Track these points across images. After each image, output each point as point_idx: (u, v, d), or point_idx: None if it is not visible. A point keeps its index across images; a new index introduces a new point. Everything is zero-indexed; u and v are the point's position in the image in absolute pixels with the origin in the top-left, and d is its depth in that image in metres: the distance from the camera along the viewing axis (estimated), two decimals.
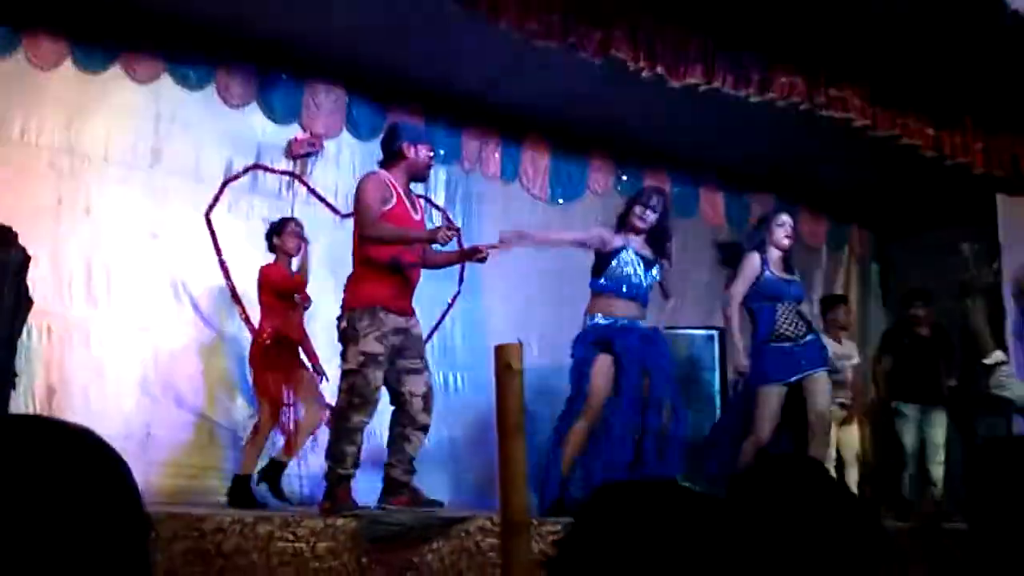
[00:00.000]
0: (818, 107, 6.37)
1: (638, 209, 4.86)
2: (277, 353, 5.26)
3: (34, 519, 0.75)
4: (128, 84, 5.95)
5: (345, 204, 6.61)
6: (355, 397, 4.10)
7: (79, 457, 0.82)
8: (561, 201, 7.47)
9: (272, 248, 5.54)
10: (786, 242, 5.35)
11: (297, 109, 6.48)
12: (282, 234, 5.51)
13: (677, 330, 6.70)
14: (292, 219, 5.70)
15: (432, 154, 4.53)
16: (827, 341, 6.40)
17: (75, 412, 5.23)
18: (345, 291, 4.35)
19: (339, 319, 4.32)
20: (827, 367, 5.30)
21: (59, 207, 5.67)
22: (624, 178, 7.79)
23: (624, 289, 4.73)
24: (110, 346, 5.65)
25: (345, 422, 4.13)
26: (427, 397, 4.24)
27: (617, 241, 4.85)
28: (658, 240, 4.89)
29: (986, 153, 7.01)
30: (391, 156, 4.43)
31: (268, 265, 5.49)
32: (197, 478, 5.71)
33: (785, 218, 5.45)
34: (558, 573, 0.98)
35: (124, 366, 5.66)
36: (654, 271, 4.85)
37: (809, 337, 5.23)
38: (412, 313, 4.36)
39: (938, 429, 6.64)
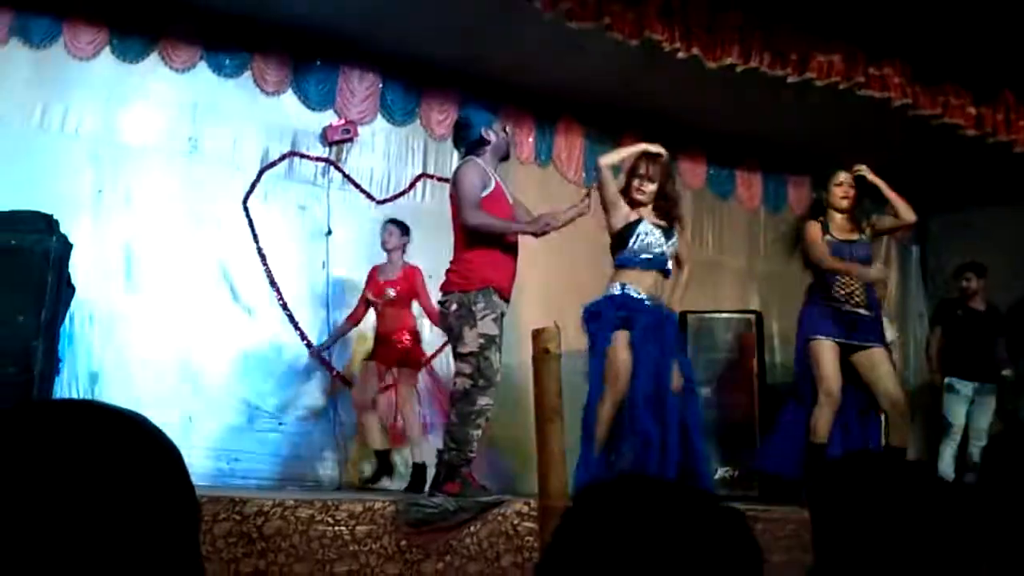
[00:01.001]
0: (857, 86, 6.27)
1: (635, 182, 4.77)
2: None
3: (90, 504, 0.76)
4: (165, 73, 6.01)
5: (380, 190, 6.64)
6: (481, 379, 4.07)
7: (135, 443, 0.83)
8: (596, 185, 7.42)
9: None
10: (844, 202, 5.12)
11: (332, 95, 6.50)
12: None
13: (716, 313, 6.67)
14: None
15: (507, 133, 4.55)
16: None
17: (117, 398, 5.31)
18: (452, 273, 4.30)
19: (445, 302, 4.27)
20: (883, 345, 5.08)
21: (99, 196, 5.74)
22: None
23: (647, 259, 4.63)
24: (151, 332, 5.73)
25: (470, 405, 4.07)
26: (498, 384, 4.23)
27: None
28: (665, 207, 4.77)
29: None
30: (474, 145, 4.41)
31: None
32: (238, 462, 5.78)
33: (843, 176, 5.20)
34: (555, 550, 0.97)
35: (165, 352, 5.74)
36: (673, 239, 4.73)
37: (865, 312, 5.00)
38: (509, 299, 4.34)
39: (985, 412, 6.51)
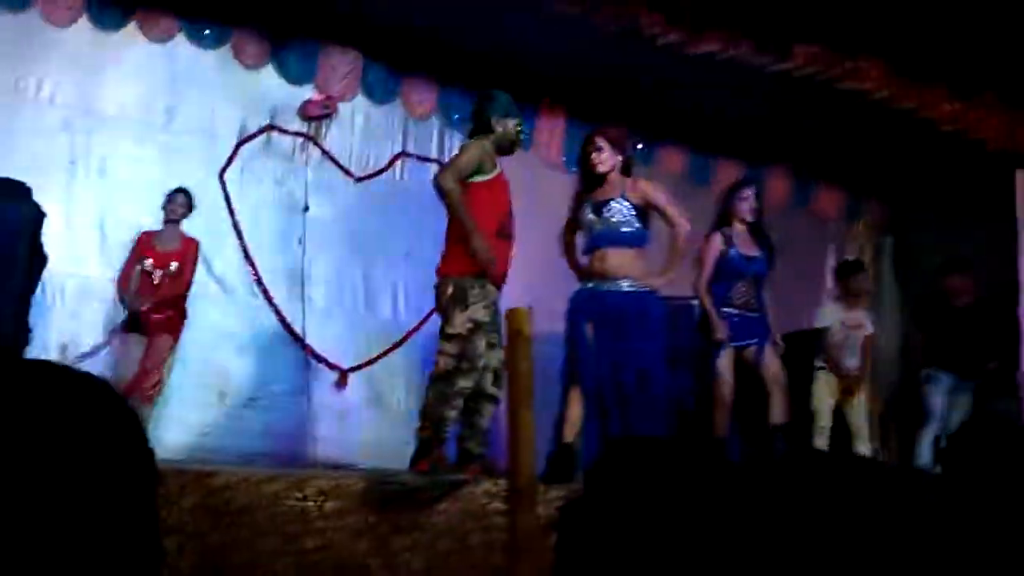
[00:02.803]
0: (836, 78, 6.31)
1: (592, 157, 4.70)
2: None
3: (43, 462, 0.76)
4: (143, 43, 5.94)
5: (359, 167, 6.61)
6: (464, 362, 4.11)
7: (92, 404, 0.83)
8: (575, 169, 7.43)
9: None
10: (749, 217, 5.36)
11: (312, 71, 6.45)
12: None
13: (692, 300, 6.68)
14: None
15: (521, 128, 4.48)
16: (836, 307, 6.37)
17: (88, 370, 5.26)
18: (449, 257, 4.29)
19: (441, 285, 4.27)
20: (771, 342, 5.35)
21: (73, 166, 5.69)
22: (640, 147, 7.73)
23: (616, 237, 4.57)
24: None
25: (449, 386, 4.11)
26: (498, 371, 4.22)
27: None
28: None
29: (1004, 129, 6.94)
30: (480, 127, 4.39)
31: None
32: (208, 436, 5.76)
33: (748, 191, 5.44)
34: (568, 531, 0.98)
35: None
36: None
37: (755, 314, 5.31)
38: (502, 286, 4.34)
39: (960, 409, 6.49)
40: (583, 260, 4.70)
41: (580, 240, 4.77)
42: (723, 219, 5.44)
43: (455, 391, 4.13)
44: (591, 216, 4.55)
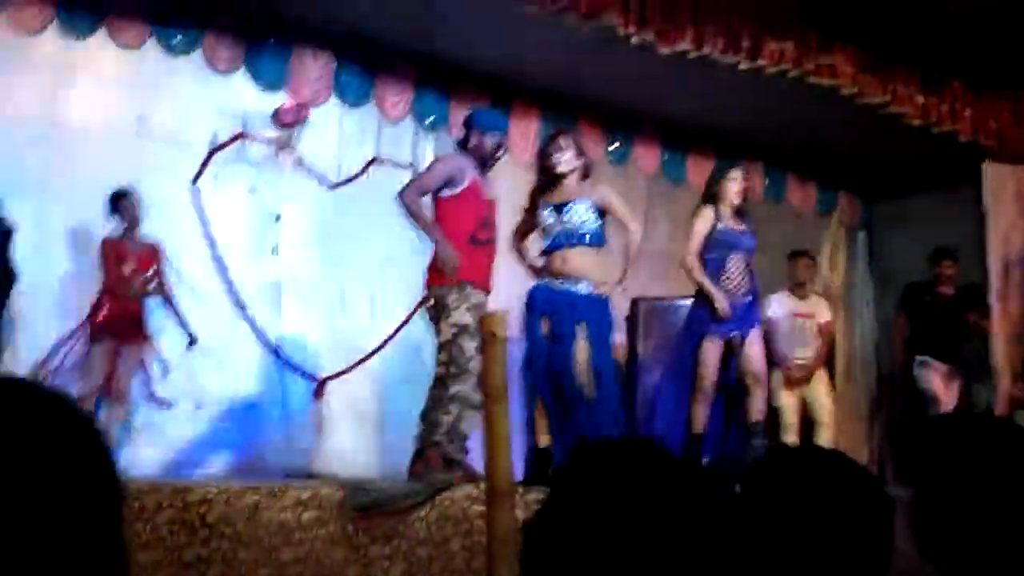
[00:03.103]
0: (807, 74, 6.35)
1: (554, 157, 4.72)
2: None
3: (5, 480, 0.75)
4: (113, 50, 5.88)
5: (334, 173, 6.58)
6: (452, 367, 4.23)
7: (54, 420, 0.82)
8: None
9: None
10: (737, 199, 5.34)
11: (284, 76, 6.40)
12: None
13: (667, 300, 6.72)
14: None
15: (499, 144, 4.53)
16: (787, 298, 6.35)
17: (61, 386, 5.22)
18: (430, 269, 4.44)
19: (426, 297, 4.45)
20: (757, 329, 5.30)
21: (43, 175, 5.62)
22: (615, 146, 7.75)
23: (578, 238, 4.62)
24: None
25: (443, 390, 4.24)
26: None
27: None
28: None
29: (973, 121, 7.02)
30: (462, 142, 4.56)
31: None
32: (184, 447, 5.72)
33: (736, 173, 5.44)
34: (536, 535, 0.98)
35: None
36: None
37: (747, 298, 5.25)
38: (489, 291, 4.43)
39: (952, 396, 6.53)
40: (540, 260, 4.73)
41: (535, 240, 4.82)
42: (709, 200, 5.38)
43: (449, 396, 4.25)
44: (551, 218, 4.60)
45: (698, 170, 8.13)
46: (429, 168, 4.51)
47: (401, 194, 4.42)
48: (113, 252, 5.46)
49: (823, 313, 6.40)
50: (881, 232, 8.78)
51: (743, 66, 6.18)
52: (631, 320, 6.38)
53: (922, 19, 6.06)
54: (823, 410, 6.18)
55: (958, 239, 7.39)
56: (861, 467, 1.36)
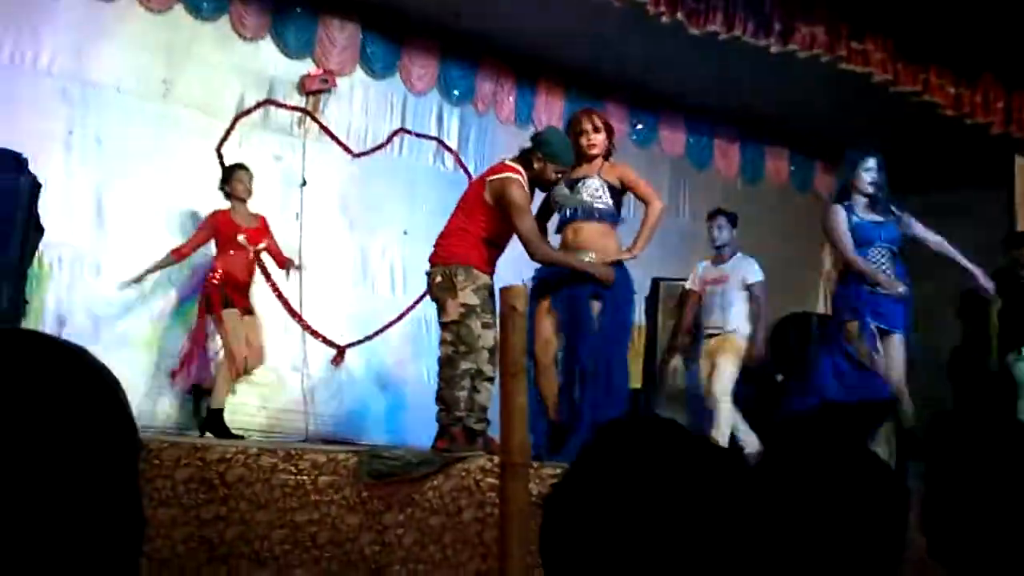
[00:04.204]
0: (839, 60, 6.28)
1: (590, 138, 4.68)
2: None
3: (23, 432, 0.75)
4: (141, 13, 5.89)
5: (357, 142, 6.58)
6: (461, 345, 4.28)
7: (72, 374, 0.82)
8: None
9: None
10: (871, 189, 5.01)
11: (311, 44, 6.41)
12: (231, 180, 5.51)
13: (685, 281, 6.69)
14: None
15: (560, 175, 4.47)
16: (703, 266, 5.82)
17: (83, 341, 5.23)
18: (439, 247, 4.44)
19: (431, 273, 4.42)
20: (902, 331, 4.97)
21: (70, 136, 5.65)
22: (639, 125, 7.71)
23: (588, 212, 4.58)
24: (120, 276, 5.67)
25: (453, 369, 4.29)
26: (494, 351, 4.29)
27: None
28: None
29: (1006, 113, 6.92)
30: (525, 157, 4.46)
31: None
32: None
33: (871, 162, 5.07)
34: (556, 509, 0.98)
35: (133, 297, 5.69)
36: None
37: (900, 289, 4.95)
38: (494, 271, 4.44)
39: None
40: (556, 237, 4.71)
41: (555, 218, 4.78)
42: (843, 193, 5.11)
43: (459, 373, 4.29)
44: (565, 192, 4.58)
45: (722, 154, 8.09)
46: (516, 200, 4.32)
47: (534, 256, 4.40)
48: (219, 224, 5.49)
49: (742, 277, 5.63)
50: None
51: (774, 50, 6.12)
52: (651, 299, 6.36)
53: (955, 11, 5.98)
54: (717, 383, 5.46)
55: (986, 234, 7.30)
56: (875, 455, 1.36)
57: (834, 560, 1.26)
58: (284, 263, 5.69)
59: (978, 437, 1.39)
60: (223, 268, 5.38)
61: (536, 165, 4.40)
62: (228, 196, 5.51)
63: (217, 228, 5.47)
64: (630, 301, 4.66)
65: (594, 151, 4.55)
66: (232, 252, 5.42)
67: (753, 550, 0.95)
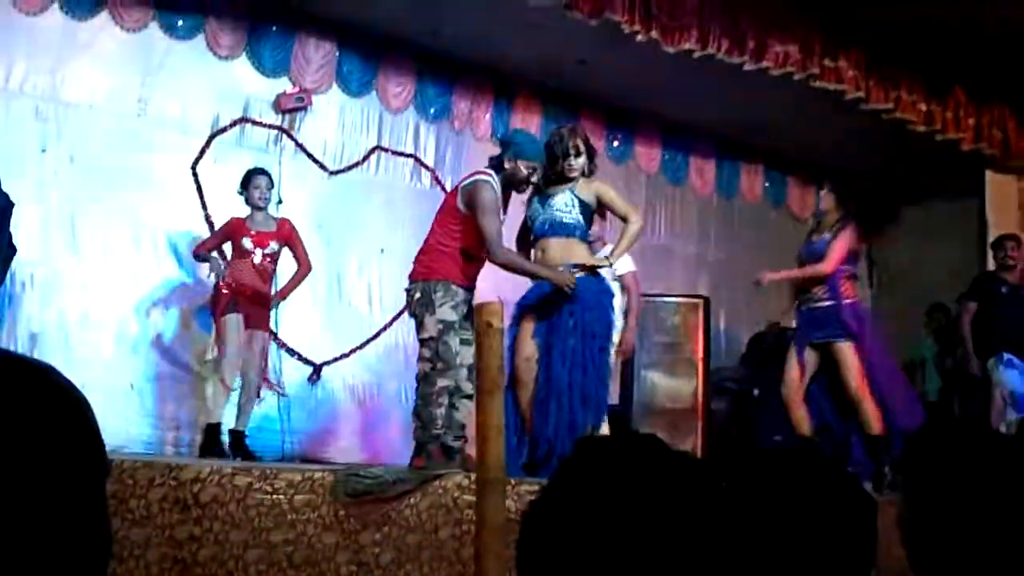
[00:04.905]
0: (812, 77, 6.35)
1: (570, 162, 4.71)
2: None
3: None
4: (115, 32, 5.87)
5: (334, 160, 6.58)
6: (439, 362, 4.28)
7: (38, 392, 0.81)
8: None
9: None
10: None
11: (286, 62, 6.41)
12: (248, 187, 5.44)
13: (665, 297, 6.73)
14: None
15: (532, 171, 4.48)
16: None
17: (57, 361, 5.15)
18: (418, 263, 4.45)
19: (410, 290, 4.42)
20: (844, 338, 5.06)
21: (43, 155, 5.62)
22: (616, 143, 7.76)
23: (557, 227, 4.62)
24: (93, 296, 5.63)
25: (430, 386, 4.28)
26: (472, 367, 4.27)
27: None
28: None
29: (977, 129, 7.02)
30: (496, 163, 4.49)
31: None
32: (178, 430, 5.72)
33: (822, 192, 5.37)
34: (533, 525, 0.98)
35: (107, 317, 5.65)
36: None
37: (820, 304, 5.10)
38: (474, 286, 4.44)
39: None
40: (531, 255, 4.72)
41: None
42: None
43: (436, 391, 4.29)
44: (536, 207, 4.61)
45: (698, 171, 8.15)
46: (483, 205, 4.31)
47: (494, 259, 4.38)
48: (230, 229, 5.41)
49: (620, 266, 5.53)
50: (881, 239, 8.77)
51: (747, 67, 6.18)
52: (627, 315, 6.38)
53: (927, 27, 6.07)
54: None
55: (959, 248, 7.40)
56: (841, 467, 1.38)
57: (805, 572, 1.27)
58: (306, 266, 5.56)
59: (957, 449, 1.40)
60: (232, 274, 5.32)
61: (507, 166, 4.42)
62: (247, 202, 5.44)
63: (228, 233, 5.42)
64: (605, 309, 4.63)
65: (572, 174, 4.57)
66: (240, 258, 5.35)
67: (729, 564, 0.96)
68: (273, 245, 5.41)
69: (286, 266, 5.61)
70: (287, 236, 5.50)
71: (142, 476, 3.32)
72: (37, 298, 5.49)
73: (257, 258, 5.34)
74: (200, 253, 5.44)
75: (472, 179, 4.43)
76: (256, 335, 5.36)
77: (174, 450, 5.63)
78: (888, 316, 8.18)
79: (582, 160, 4.56)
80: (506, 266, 4.44)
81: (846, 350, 5.02)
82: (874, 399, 4.99)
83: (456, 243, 4.38)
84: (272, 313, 5.60)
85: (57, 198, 5.62)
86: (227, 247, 5.50)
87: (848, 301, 5.11)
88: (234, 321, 5.22)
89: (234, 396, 5.33)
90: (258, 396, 5.45)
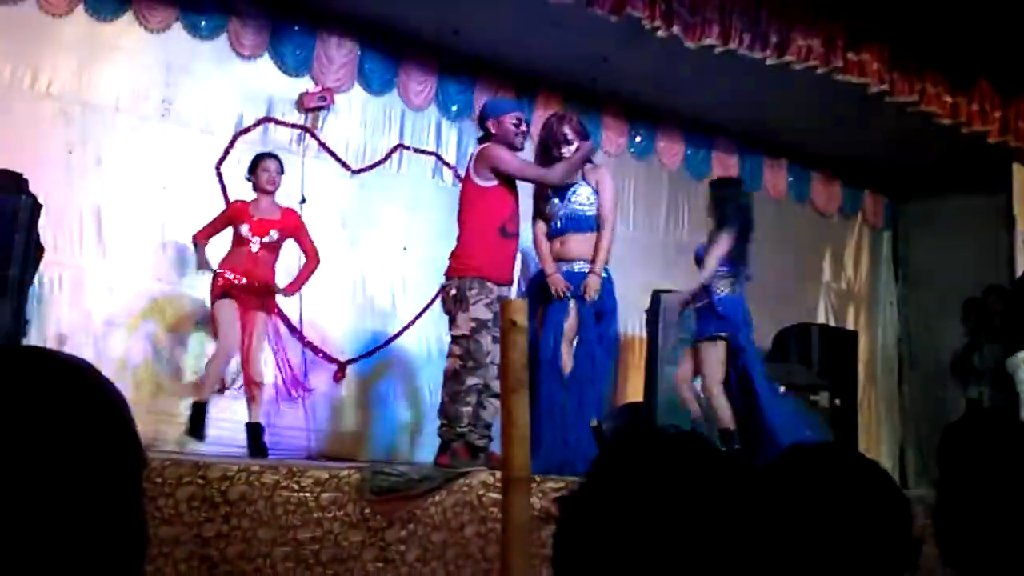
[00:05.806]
0: (835, 71, 6.30)
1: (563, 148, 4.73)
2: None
3: (27, 449, 0.76)
4: (140, 32, 5.92)
5: (356, 159, 6.60)
6: (469, 360, 4.28)
7: (76, 390, 0.82)
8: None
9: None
10: None
11: (309, 62, 6.43)
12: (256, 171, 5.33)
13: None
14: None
15: (519, 120, 4.52)
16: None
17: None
18: (453, 259, 4.48)
19: (446, 285, 4.45)
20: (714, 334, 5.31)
21: (69, 156, 5.67)
22: (638, 139, 7.73)
23: (579, 221, 4.67)
24: (120, 297, 5.68)
25: (459, 384, 4.28)
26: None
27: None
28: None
29: (1003, 122, 6.94)
30: (485, 137, 4.55)
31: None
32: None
33: None
34: (571, 522, 0.98)
35: (134, 317, 5.69)
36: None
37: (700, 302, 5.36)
38: (511, 283, 4.46)
39: None
40: (547, 247, 4.75)
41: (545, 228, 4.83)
42: None
43: (464, 388, 4.29)
44: (555, 201, 4.63)
45: (720, 165, 8.09)
46: (503, 161, 4.40)
47: (553, 180, 4.54)
48: (232, 213, 5.32)
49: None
50: (907, 233, 8.70)
51: (770, 62, 6.14)
52: (652, 311, 6.37)
53: (951, 19, 6.00)
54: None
55: (985, 241, 7.31)
56: (875, 466, 1.36)
57: (842, 572, 1.26)
58: (314, 260, 5.42)
59: (991, 443, 1.39)
60: (228, 260, 5.22)
61: (493, 131, 4.46)
62: (254, 187, 5.33)
63: (230, 217, 5.30)
64: (616, 313, 4.69)
65: (566, 157, 4.61)
66: (237, 245, 5.24)
67: (766, 562, 0.95)
68: (273, 234, 5.25)
69: (297, 259, 5.57)
70: (293, 227, 5.37)
71: (170, 475, 3.34)
72: (65, 298, 5.54)
73: (255, 247, 5.20)
74: (198, 241, 5.29)
75: (476, 152, 4.49)
76: (256, 318, 5.19)
77: (211, 449, 5.65)
78: (914, 311, 8.13)
79: (574, 146, 4.60)
80: (563, 181, 4.56)
81: None
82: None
83: (491, 223, 4.37)
84: (276, 299, 5.45)
85: (83, 199, 5.67)
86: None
87: None
88: (227, 306, 5.11)
89: (241, 393, 5.31)
90: (290, 394, 5.42)
